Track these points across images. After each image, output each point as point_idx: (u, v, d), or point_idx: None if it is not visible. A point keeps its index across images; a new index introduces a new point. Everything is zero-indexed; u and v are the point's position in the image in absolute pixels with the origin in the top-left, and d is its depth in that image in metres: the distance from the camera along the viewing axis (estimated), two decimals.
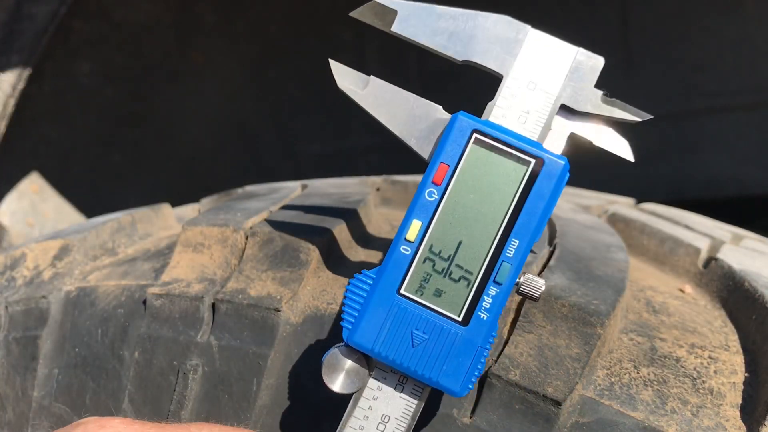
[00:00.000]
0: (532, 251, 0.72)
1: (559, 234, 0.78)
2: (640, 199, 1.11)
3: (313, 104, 1.77)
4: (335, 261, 0.71)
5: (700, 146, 1.72)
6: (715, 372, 0.63)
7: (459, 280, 0.55)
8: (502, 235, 0.55)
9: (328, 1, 1.72)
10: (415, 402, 0.56)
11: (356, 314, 0.55)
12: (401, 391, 0.56)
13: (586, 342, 0.61)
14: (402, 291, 0.55)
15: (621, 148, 0.59)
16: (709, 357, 0.64)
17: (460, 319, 0.54)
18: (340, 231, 0.73)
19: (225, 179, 1.65)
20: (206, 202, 1.01)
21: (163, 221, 0.92)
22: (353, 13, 0.60)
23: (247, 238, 0.72)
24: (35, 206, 1.56)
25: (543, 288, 0.56)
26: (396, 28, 0.60)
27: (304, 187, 0.91)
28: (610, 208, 0.95)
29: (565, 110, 0.58)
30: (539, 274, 0.68)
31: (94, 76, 1.58)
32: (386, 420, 0.56)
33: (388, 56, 1.74)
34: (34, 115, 1.51)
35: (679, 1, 1.67)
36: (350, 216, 0.75)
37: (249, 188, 0.95)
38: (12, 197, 1.53)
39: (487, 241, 0.55)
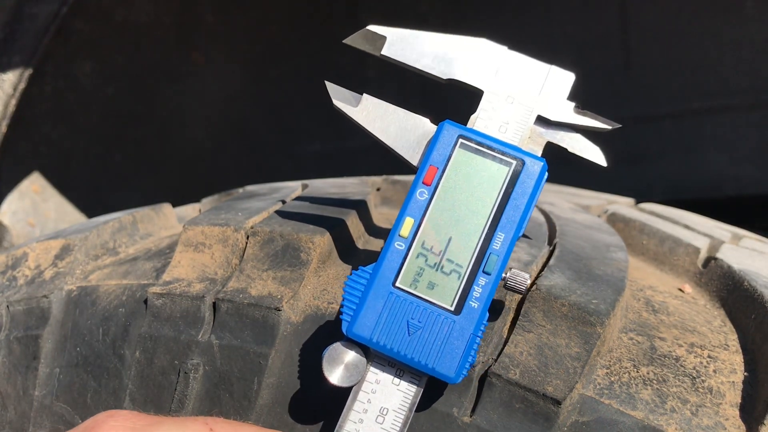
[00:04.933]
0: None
1: (559, 234, 0.78)
2: (640, 199, 1.12)
3: (313, 104, 1.77)
4: (336, 260, 0.71)
5: (700, 146, 1.72)
6: (714, 371, 0.63)
7: (450, 273, 0.58)
8: (488, 229, 0.59)
9: (328, 1, 1.72)
10: (412, 394, 0.58)
11: (354, 307, 0.58)
12: (398, 384, 0.58)
13: (586, 341, 0.61)
14: (397, 284, 0.58)
15: (593, 153, 0.64)
16: (709, 356, 0.64)
17: (452, 308, 0.57)
18: (341, 230, 0.73)
19: (225, 179, 1.65)
20: (207, 201, 1.01)
21: (164, 221, 0.92)
22: (347, 40, 0.66)
23: (247, 237, 0.72)
24: (36, 206, 1.57)
25: (528, 281, 0.60)
26: (386, 51, 0.66)
27: (304, 186, 0.91)
28: (610, 208, 0.95)
29: (541, 121, 0.64)
30: (539, 274, 0.68)
31: (95, 76, 1.58)
32: (385, 412, 0.58)
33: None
34: (35, 115, 1.51)
35: (679, 1, 1.67)
36: (351, 216, 0.75)
37: (249, 188, 0.95)
38: (13, 197, 1.53)
39: (475, 235, 0.59)
